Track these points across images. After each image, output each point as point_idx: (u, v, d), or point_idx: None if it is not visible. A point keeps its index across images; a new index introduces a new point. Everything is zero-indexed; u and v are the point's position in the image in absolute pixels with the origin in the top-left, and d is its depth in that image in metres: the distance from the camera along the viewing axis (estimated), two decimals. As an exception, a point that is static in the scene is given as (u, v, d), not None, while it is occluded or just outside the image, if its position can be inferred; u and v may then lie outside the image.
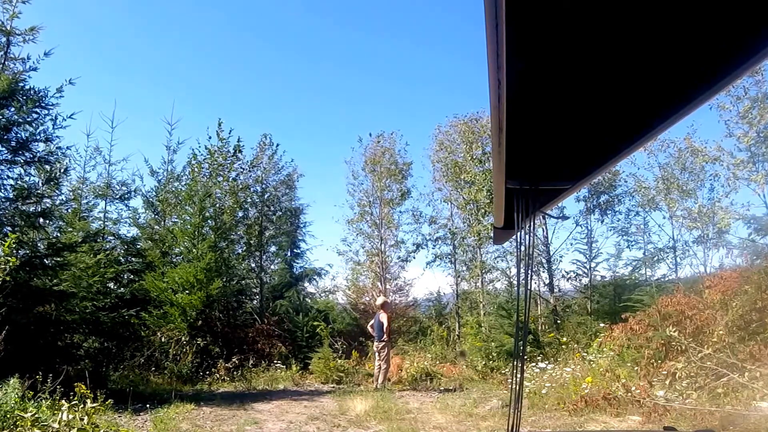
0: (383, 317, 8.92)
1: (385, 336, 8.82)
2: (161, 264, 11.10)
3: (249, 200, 14.69)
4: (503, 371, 9.48)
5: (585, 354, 8.01)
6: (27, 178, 7.68)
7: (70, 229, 9.62)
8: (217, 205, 12.71)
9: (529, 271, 1.26)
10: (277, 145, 15.30)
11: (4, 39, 7.27)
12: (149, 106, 31.90)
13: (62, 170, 8.47)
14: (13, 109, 7.11)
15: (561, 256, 13.26)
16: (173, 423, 5.81)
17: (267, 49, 32.24)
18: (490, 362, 9.96)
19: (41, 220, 8.07)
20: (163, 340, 9.83)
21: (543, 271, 12.72)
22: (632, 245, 13.05)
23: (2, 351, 4.99)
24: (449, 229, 15.51)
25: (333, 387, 9.31)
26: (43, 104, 7.34)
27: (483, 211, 13.18)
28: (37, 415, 3.88)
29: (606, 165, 1.04)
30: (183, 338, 9.83)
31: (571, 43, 0.69)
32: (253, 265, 14.77)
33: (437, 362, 10.67)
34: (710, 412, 4.97)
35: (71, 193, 11.16)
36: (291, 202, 15.76)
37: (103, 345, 8.51)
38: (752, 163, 10.09)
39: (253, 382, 9.45)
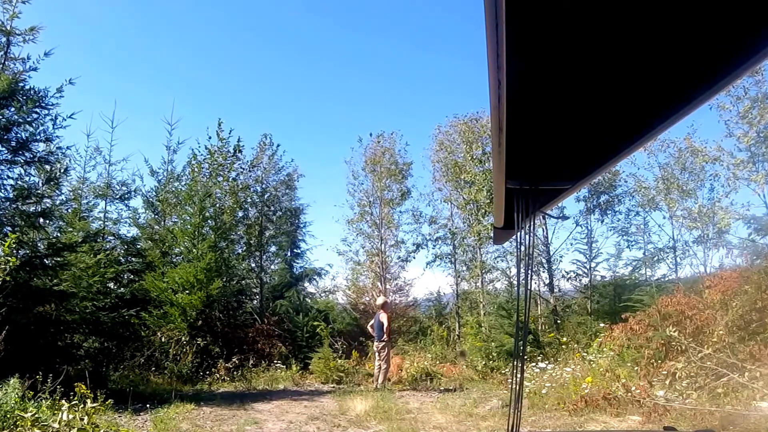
0: (383, 317, 8.92)
1: (385, 336, 8.82)
2: (161, 264, 11.10)
3: (249, 200, 14.69)
4: (503, 371, 9.48)
5: (585, 354, 8.01)
6: (27, 178, 7.70)
7: (70, 229, 9.62)
8: (217, 205, 12.71)
9: (529, 271, 1.26)
10: (277, 145, 15.34)
11: (4, 39, 7.28)
12: (149, 106, 31.95)
13: (62, 170, 8.48)
14: (13, 109, 7.11)
15: (561, 256, 13.28)
16: (173, 423, 5.81)
17: (267, 49, 32.29)
18: (490, 362, 9.96)
19: (41, 220, 8.07)
20: (163, 340, 9.83)
21: (543, 271, 12.73)
22: (632, 245, 13.07)
23: (2, 351, 5.00)
24: (449, 229, 15.52)
25: (333, 387, 9.31)
26: (43, 104, 7.34)
27: (483, 211, 13.17)
28: (37, 415, 3.88)
29: (606, 165, 1.04)
30: (183, 338, 9.83)
31: (571, 44, 0.69)
32: (253, 265, 14.77)
33: (437, 362, 10.67)
34: (710, 412, 4.97)
35: (71, 193, 11.17)
36: (291, 202, 15.77)
37: (103, 345, 8.51)
38: (752, 163, 10.09)
39: (253, 382, 9.45)
